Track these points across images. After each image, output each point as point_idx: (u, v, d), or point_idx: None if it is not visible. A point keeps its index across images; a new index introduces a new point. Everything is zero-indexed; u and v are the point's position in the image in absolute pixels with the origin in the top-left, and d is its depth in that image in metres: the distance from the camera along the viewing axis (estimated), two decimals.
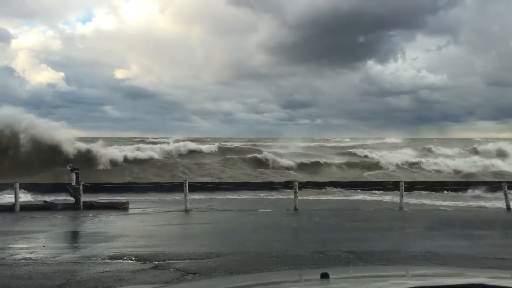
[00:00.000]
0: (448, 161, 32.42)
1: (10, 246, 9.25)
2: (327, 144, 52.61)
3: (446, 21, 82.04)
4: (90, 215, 13.38)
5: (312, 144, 48.16)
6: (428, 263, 7.37)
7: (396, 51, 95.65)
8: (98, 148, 28.26)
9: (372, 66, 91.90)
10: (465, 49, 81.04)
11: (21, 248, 8.89)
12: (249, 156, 32.56)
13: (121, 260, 7.56)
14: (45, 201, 15.25)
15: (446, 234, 10.65)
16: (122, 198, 16.53)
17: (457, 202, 17.22)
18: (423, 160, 33.11)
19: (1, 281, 6.45)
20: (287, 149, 37.73)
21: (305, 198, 17.04)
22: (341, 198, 19.04)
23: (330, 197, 19.05)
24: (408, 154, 37.11)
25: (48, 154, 25.90)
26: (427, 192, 19.86)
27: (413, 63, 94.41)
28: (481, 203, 17.14)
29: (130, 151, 30.27)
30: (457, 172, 29.56)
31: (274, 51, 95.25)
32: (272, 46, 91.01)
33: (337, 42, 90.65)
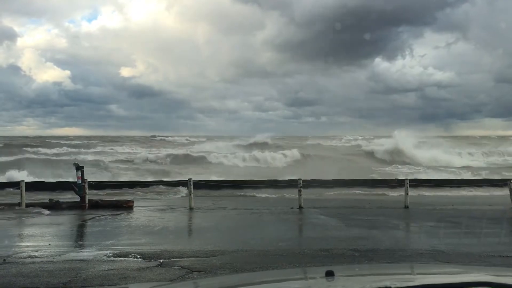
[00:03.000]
0: None
1: (16, 244, 9.30)
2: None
3: (455, 18, 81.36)
4: (95, 213, 13.42)
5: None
6: (434, 261, 7.35)
7: (404, 48, 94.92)
8: None
9: (379, 64, 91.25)
10: (474, 46, 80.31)
11: (27, 246, 8.94)
12: None
13: (126, 258, 7.59)
14: (51, 200, 15.32)
15: (452, 232, 10.61)
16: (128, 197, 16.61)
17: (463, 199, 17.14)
18: None
19: (7, 279, 6.49)
20: None
21: (310, 196, 17.03)
22: (346, 196, 19.01)
23: (335, 195, 19.03)
24: None
25: None
26: (433, 189, 19.81)
27: (421, 60, 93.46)
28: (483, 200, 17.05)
29: None
30: None
31: (281, 49, 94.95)
32: (279, 43, 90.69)
33: (345, 39, 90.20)
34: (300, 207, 14.29)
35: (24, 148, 43.23)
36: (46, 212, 13.80)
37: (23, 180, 14.94)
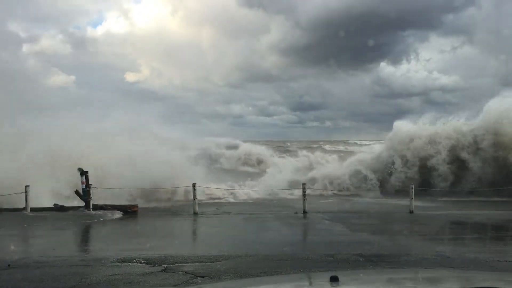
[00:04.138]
0: None
1: (21, 249, 9.33)
2: None
3: (461, 22, 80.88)
4: (100, 218, 13.45)
5: None
6: (439, 266, 7.31)
7: (409, 52, 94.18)
8: None
9: (384, 68, 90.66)
10: (480, 50, 79.56)
11: (32, 251, 8.96)
12: None
13: (130, 263, 7.59)
14: (56, 204, 15.35)
15: (457, 237, 10.57)
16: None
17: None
18: None
19: (12, 283, 6.51)
20: None
21: (314, 200, 16.99)
22: (351, 200, 18.96)
23: (340, 200, 18.98)
24: None
25: None
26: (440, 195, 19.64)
27: (426, 64, 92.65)
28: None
29: None
30: None
31: (286, 53, 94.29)
32: (284, 48, 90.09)
33: (350, 43, 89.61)
34: (305, 212, 14.26)
35: None
36: (50, 217, 13.87)
37: (28, 185, 14.96)
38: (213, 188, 19.08)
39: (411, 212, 14.51)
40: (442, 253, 8.28)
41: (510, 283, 2.16)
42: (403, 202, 16.22)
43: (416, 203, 14.50)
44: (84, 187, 14.87)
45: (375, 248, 8.86)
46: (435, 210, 15.30)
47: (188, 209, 14.85)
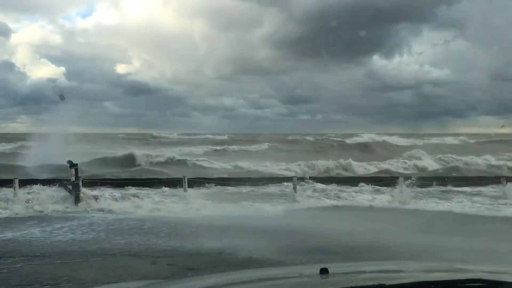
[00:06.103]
0: None
1: (9, 243, 9.23)
2: None
3: (454, 15, 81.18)
4: (88, 211, 13.35)
5: None
6: (427, 258, 7.38)
7: (402, 45, 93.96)
8: None
9: (377, 61, 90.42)
10: (472, 43, 79.74)
11: (18, 245, 8.87)
12: None
13: (120, 256, 7.56)
14: None
15: (445, 229, 10.66)
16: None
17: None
18: None
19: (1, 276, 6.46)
20: None
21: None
22: (339, 194, 18.96)
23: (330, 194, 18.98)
24: None
25: None
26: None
27: (418, 57, 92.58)
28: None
29: None
30: None
31: (279, 46, 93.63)
32: (277, 40, 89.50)
33: (344, 36, 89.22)
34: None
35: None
36: None
37: (17, 178, 14.81)
38: None
39: (400, 203, 14.57)
40: (431, 245, 8.35)
41: (498, 274, 2.18)
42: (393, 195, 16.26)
43: None
44: (74, 179, 14.72)
45: (368, 238, 8.91)
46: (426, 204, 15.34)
47: (179, 201, 14.79)
